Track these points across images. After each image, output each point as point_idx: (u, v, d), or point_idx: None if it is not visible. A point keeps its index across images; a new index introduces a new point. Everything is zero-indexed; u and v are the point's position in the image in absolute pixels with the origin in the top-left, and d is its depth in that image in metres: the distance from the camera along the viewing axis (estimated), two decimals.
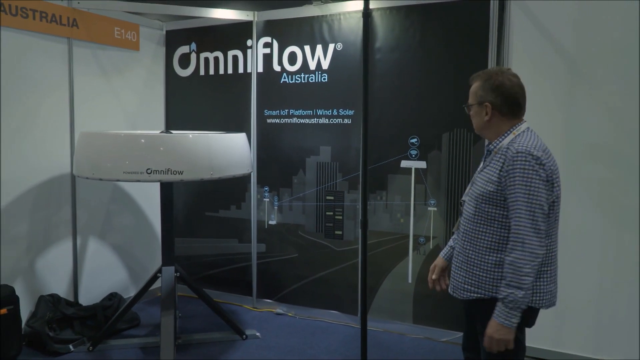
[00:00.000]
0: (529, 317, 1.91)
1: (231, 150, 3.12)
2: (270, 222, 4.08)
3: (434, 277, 2.23)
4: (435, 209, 3.48)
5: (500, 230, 1.86)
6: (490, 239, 1.88)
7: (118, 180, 2.84)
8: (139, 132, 3.54)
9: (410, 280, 3.60)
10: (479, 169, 2.02)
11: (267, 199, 4.07)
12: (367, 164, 2.35)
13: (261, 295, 4.18)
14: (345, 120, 3.71)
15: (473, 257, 1.92)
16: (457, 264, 2.00)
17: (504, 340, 1.79)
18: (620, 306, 3.02)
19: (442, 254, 2.25)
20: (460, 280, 1.98)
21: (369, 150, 3.63)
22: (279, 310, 4.05)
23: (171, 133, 3.25)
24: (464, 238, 1.97)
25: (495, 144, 1.93)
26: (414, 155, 3.51)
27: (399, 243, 3.60)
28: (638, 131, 2.91)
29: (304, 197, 3.92)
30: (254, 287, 4.18)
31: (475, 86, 1.96)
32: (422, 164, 3.49)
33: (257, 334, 3.62)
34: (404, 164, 3.54)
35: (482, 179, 1.91)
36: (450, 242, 2.24)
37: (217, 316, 3.66)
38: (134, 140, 2.89)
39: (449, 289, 2.09)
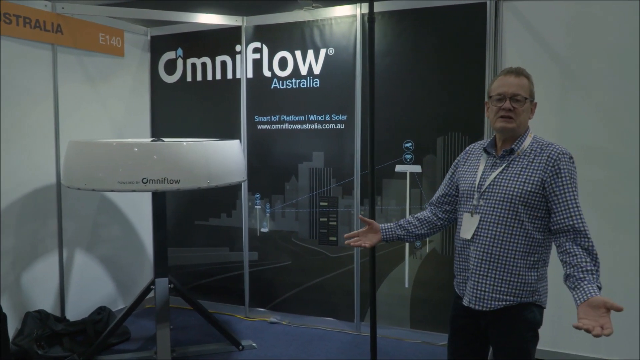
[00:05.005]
0: (541, 316, 1.91)
1: (227, 157, 3.06)
2: (263, 230, 4.02)
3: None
4: None
5: (534, 232, 1.85)
6: (523, 242, 1.85)
7: (112, 191, 2.75)
8: (131, 140, 3.45)
9: (407, 285, 3.58)
10: (488, 171, 1.95)
11: (259, 206, 4.01)
12: (374, 170, 2.32)
13: (254, 304, 4.11)
14: (339, 126, 3.68)
15: (503, 261, 1.86)
16: (482, 272, 1.90)
17: None
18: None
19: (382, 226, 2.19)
20: (487, 289, 1.89)
21: (363, 156, 3.62)
22: (272, 319, 3.98)
23: (163, 141, 3.17)
24: (491, 244, 1.88)
25: (517, 145, 1.92)
26: (408, 160, 3.50)
27: (395, 248, 3.58)
28: (632, 133, 2.96)
29: (297, 203, 3.87)
30: (246, 296, 4.11)
31: (527, 82, 1.92)
32: (417, 168, 3.48)
33: (253, 344, 3.55)
34: (399, 168, 3.53)
35: (513, 180, 1.87)
36: (402, 222, 2.19)
37: (211, 327, 3.59)
38: (127, 149, 2.81)
39: (465, 301, 1.97)
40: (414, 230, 2.18)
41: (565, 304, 2.18)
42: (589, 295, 1.63)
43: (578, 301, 1.66)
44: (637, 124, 2.94)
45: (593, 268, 1.71)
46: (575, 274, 1.71)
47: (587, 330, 1.53)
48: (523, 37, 3.17)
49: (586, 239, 1.78)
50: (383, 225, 2.19)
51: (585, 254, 1.75)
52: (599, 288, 1.67)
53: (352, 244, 2.16)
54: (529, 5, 3.14)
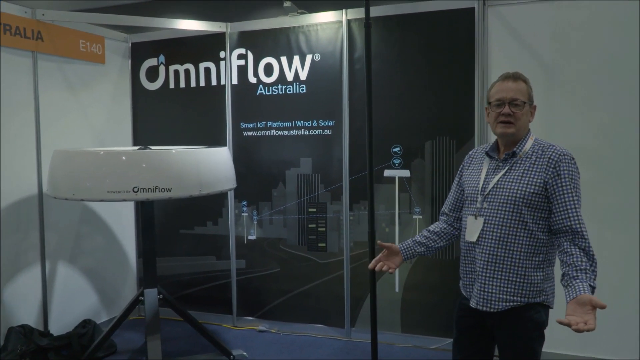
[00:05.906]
0: (547, 316, 1.94)
1: (217, 164, 3.03)
2: (250, 237, 3.98)
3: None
4: (420, 217, 3.50)
5: (538, 232, 1.88)
6: (528, 243, 1.87)
7: (102, 200, 2.69)
8: (120, 148, 3.38)
9: (397, 289, 3.59)
10: (491, 174, 1.97)
11: (246, 214, 3.97)
12: (372, 173, 2.32)
13: (242, 312, 4.06)
14: (326, 131, 3.68)
15: (509, 262, 1.88)
16: (489, 274, 1.92)
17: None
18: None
19: (400, 245, 2.18)
20: (493, 290, 1.91)
21: (351, 161, 3.63)
22: (261, 327, 3.94)
23: (150, 149, 3.12)
24: (496, 245, 1.90)
25: (519, 148, 1.95)
26: (397, 164, 3.52)
27: None
28: (616, 132, 3.04)
29: (285, 210, 3.85)
30: (233, 305, 4.05)
31: (525, 86, 1.96)
32: (406, 173, 3.50)
33: (244, 353, 3.51)
34: (388, 173, 3.54)
35: (516, 182, 1.89)
36: (419, 239, 2.18)
37: (199, 337, 3.53)
38: (116, 158, 2.75)
39: (472, 303, 1.99)
40: (432, 244, 2.19)
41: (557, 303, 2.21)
42: (578, 292, 1.67)
43: (568, 298, 1.70)
44: (621, 124, 3.02)
45: (588, 268, 1.74)
46: (570, 272, 1.75)
47: (569, 325, 1.57)
48: (508, 41, 3.22)
49: (583, 240, 1.80)
50: (401, 245, 2.19)
51: (582, 254, 1.78)
52: (592, 287, 1.70)
53: (378, 269, 2.15)
54: (513, 10, 3.20)
